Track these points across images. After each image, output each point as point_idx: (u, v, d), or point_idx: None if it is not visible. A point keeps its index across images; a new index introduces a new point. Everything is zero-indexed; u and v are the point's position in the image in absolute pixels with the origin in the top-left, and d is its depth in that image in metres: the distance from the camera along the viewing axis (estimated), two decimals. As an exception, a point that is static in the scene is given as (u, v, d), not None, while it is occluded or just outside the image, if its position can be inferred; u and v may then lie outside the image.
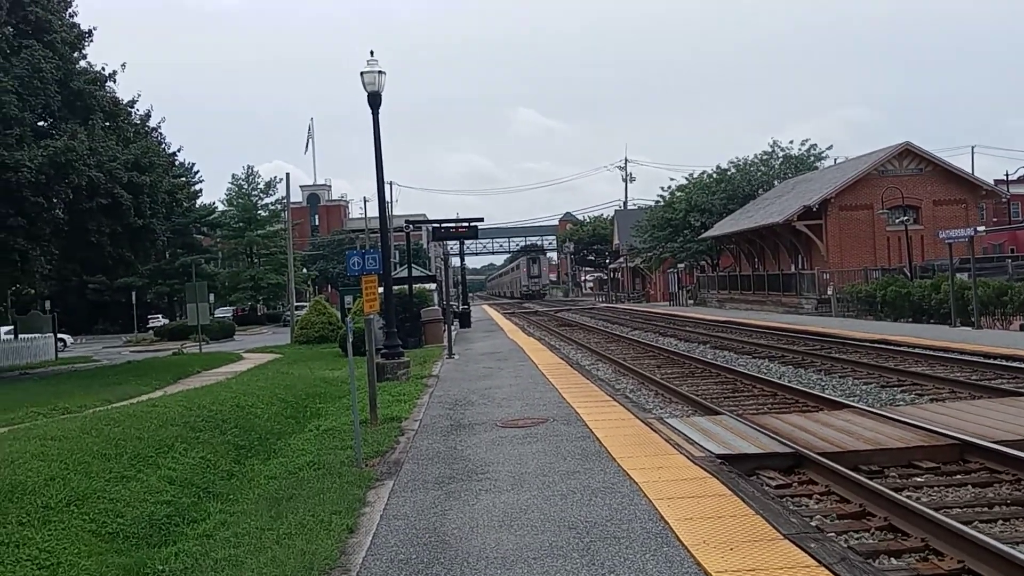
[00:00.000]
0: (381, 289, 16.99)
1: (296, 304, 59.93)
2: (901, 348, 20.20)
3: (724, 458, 8.74)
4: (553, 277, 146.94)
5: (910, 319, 31.28)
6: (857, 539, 6.68)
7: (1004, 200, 46.75)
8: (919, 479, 8.40)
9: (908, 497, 7.42)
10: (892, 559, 6.22)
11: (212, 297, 71.56)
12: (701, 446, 9.33)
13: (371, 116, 17.98)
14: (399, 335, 21.72)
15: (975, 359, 17.24)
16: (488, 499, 7.59)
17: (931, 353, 18.89)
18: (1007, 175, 59.11)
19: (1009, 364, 16.21)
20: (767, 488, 8.07)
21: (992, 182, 47.59)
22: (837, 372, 17.15)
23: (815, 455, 8.72)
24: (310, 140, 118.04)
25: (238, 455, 10.30)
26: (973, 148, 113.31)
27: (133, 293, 61.07)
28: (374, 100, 17.88)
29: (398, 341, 19.00)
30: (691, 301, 61.83)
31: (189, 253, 67.04)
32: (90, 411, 13.99)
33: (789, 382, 15.94)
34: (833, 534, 6.59)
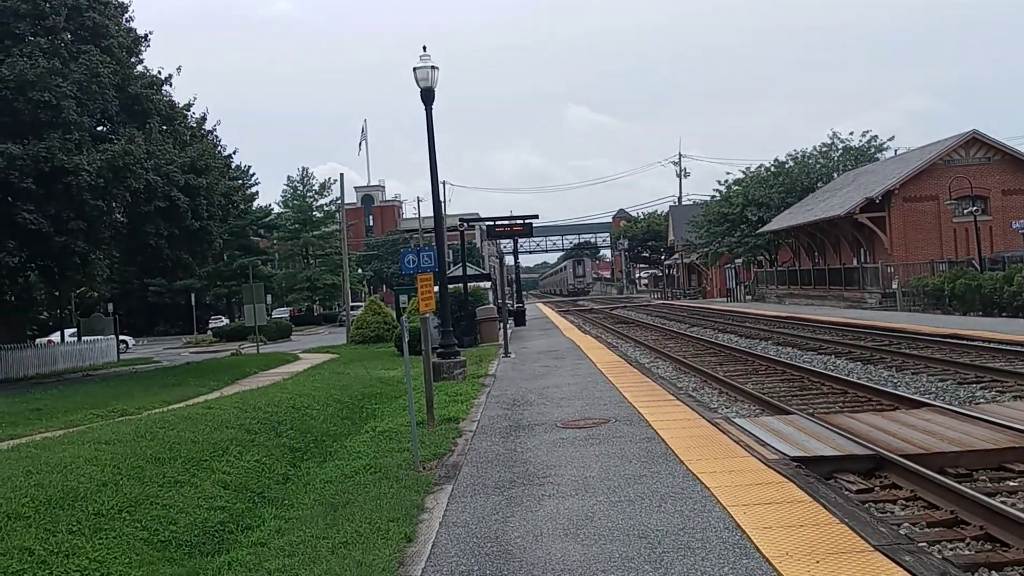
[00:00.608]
0: (436, 288, 16.74)
1: (352, 304, 60.26)
2: (975, 343, 19.38)
3: (799, 460, 8.27)
4: (607, 274, 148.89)
5: (980, 313, 30.22)
6: (952, 550, 6.19)
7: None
8: (1012, 483, 7.85)
9: (1004, 503, 6.89)
10: (994, 572, 5.72)
11: (269, 298, 72.44)
12: (773, 448, 8.87)
13: (424, 112, 17.73)
14: (454, 334, 21.48)
15: (1057, 354, 16.43)
16: (551, 505, 7.23)
17: (1008, 348, 18.07)
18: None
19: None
20: (847, 493, 7.60)
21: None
22: (909, 368, 16.46)
23: (897, 457, 8.22)
24: (363, 141, 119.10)
25: (293, 458, 10.09)
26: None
27: (192, 295, 61.94)
28: (427, 96, 17.61)
29: (454, 340, 18.74)
30: (749, 297, 60.82)
31: (246, 255, 67.73)
32: (147, 413, 13.94)
33: (859, 379, 15.34)
34: (925, 544, 6.11)
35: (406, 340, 9.92)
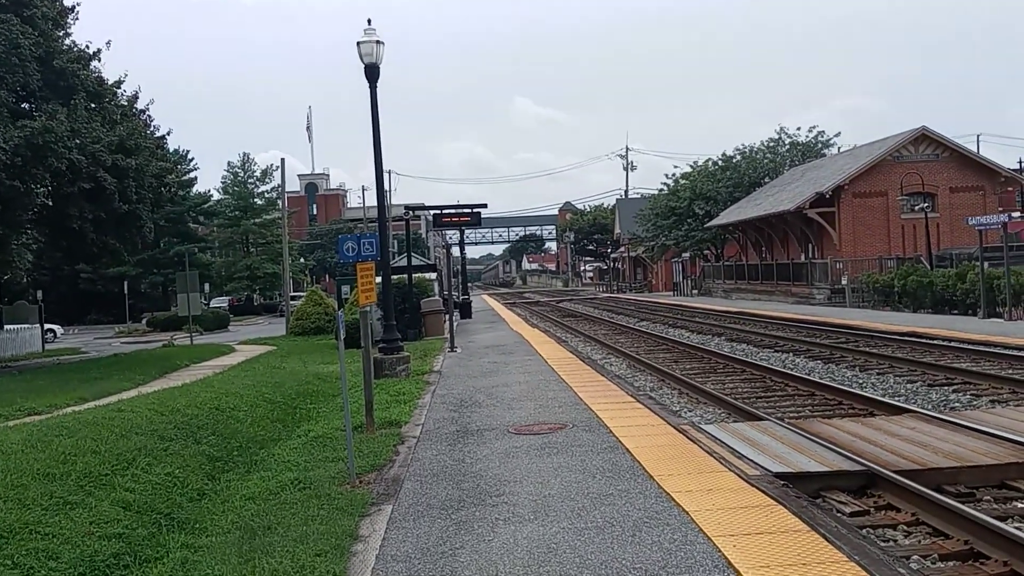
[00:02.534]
0: (379, 279, 15.64)
1: (292, 294, 58.56)
2: (935, 342, 18.83)
3: (783, 477, 7.37)
4: (552, 267, 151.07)
5: (930, 310, 29.91)
6: (977, 592, 5.33)
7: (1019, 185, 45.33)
8: (1021, 504, 7.04)
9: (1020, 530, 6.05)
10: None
11: (207, 287, 70.21)
12: (752, 461, 7.97)
13: (368, 90, 16.57)
14: (398, 327, 20.36)
15: (1022, 354, 15.86)
16: (507, 533, 6.22)
17: (972, 348, 17.54)
18: (1020, 162, 57.61)
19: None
20: (842, 515, 6.72)
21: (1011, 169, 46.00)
22: (873, 368, 15.78)
23: (891, 473, 7.37)
24: (309, 128, 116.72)
25: (212, 469, 8.92)
26: (979, 137, 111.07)
27: (126, 283, 59.61)
28: (372, 73, 16.44)
29: (397, 334, 17.61)
30: (696, 291, 60.48)
31: (183, 242, 65.48)
32: (59, 413, 12.62)
33: (821, 379, 14.62)
34: (946, 585, 5.24)
35: (341, 335, 8.82)
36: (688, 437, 9.26)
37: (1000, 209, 38.53)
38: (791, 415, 11.47)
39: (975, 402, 11.98)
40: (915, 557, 5.87)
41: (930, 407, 11.61)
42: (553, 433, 9.98)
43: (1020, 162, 57.80)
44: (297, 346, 29.27)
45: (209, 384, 14.30)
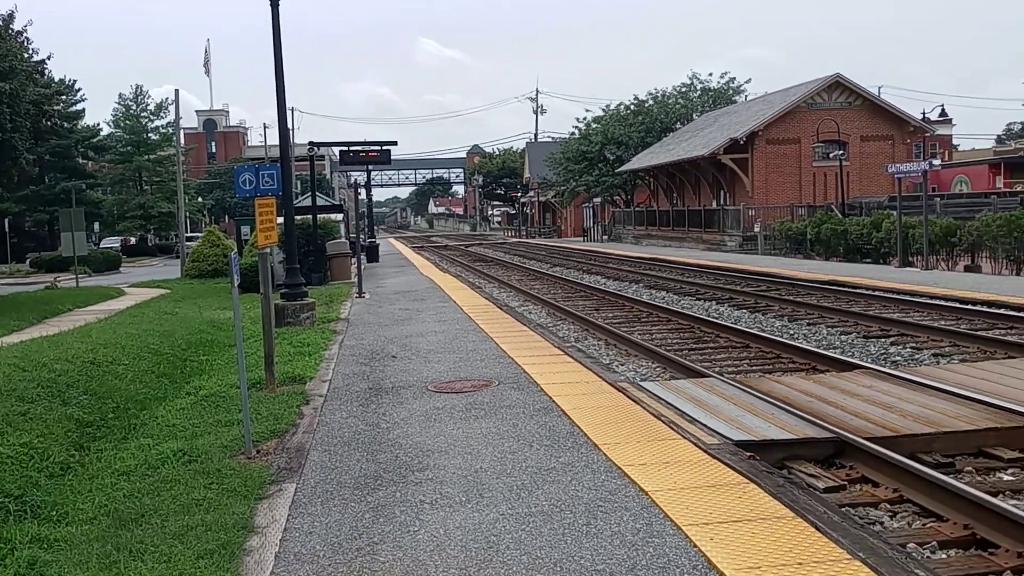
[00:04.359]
0: (281, 219, 14.28)
1: (189, 235, 55.91)
2: (859, 291, 18.41)
3: (746, 447, 6.51)
4: (459, 211, 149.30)
5: (843, 259, 29.85)
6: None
7: (928, 135, 45.86)
8: (1006, 476, 6.34)
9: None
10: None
11: (97, 226, 66.60)
12: (706, 426, 7.09)
13: (270, 9, 14.99)
14: (303, 269, 18.98)
15: (951, 304, 15.49)
16: (436, 521, 5.18)
17: (897, 297, 17.13)
18: (923, 113, 58.62)
19: (995, 311, 14.47)
20: (815, 490, 5.90)
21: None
22: (803, 318, 15.19)
23: (862, 440, 6.58)
24: (207, 63, 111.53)
25: (81, 437, 7.60)
26: (880, 89, 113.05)
27: (7, 221, 55.86)
28: (272, -12, 14.85)
29: (301, 279, 16.23)
30: (606, 237, 60.09)
31: (71, 178, 61.61)
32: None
33: (750, 328, 13.95)
34: (962, 584, 4.42)
35: (235, 280, 7.56)
36: (629, 396, 8.34)
37: (908, 159, 38.91)
38: (731, 370, 10.70)
39: (917, 355, 11.41)
40: (911, 545, 5.06)
41: (870, 360, 11.00)
42: (478, 391, 8.95)
43: (923, 113, 58.78)
44: (193, 290, 27.51)
45: (86, 333, 12.73)
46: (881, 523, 5.54)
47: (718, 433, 6.86)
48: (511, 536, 4.88)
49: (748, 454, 6.25)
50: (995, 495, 5.68)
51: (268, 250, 9.40)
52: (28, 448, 6.80)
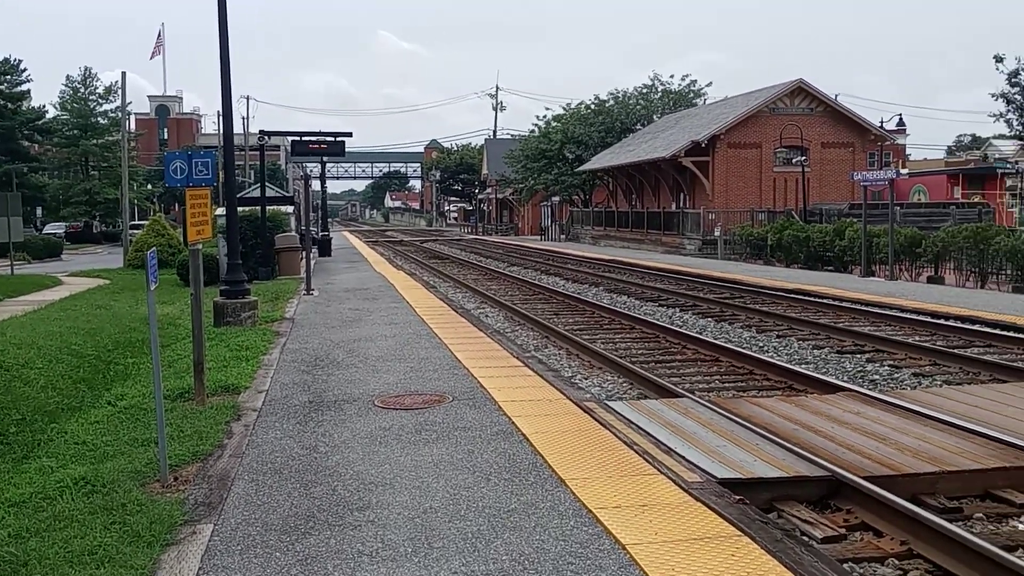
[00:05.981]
0: (220, 210, 13.26)
1: (135, 223, 54.27)
2: (826, 301, 17.88)
3: (732, 486, 5.76)
4: (416, 206, 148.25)
5: (804, 266, 29.44)
6: None
7: (888, 143, 45.76)
8: (1022, 525, 5.66)
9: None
10: None
11: (40, 211, 64.51)
12: (685, 458, 6.34)
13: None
14: (249, 263, 17.97)
15: (923, 318, 14.98)
16: (376, 580, 4.34)
17: (866, 309, 16.59)
18: (881, 122, 58.68)
19: (970, 328, 13.95)
20: (812, 539, 5.17)
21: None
22: (772, 329, 14.57)
23: (860, 480, 5.86)
24: (160, 46, 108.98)
25: (-28, 456, 6.64)
26: (836, 96, 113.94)
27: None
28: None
29: (243, 276, 15.15)
30: (564, 236, 59.45)
31: (13, 161, 59.51)
32: None
33: (718, 340, 13.27)
34: None
35: (151, 283, 6.63)
36: (596, 419, 7.56)
37: (869, 167, 38.77)
38: (702, 386, 9.98)
39: (897, 375, 10.79)
40: (933, 617, 4.34)
41: (847, 378, 10.38)
42: (430, 408, 8.11)
43: (881, 122, 58.88)
44: (134, 280, 26.21)
45: (0, 331, 11.66)
46: (893, 586, 4.82)
47: (699, 468, 6.10)
48: (465, 605, 4.07)
49: (736, 497, 5.49)
50: (1012, 550, 5.00)
51: (199, 246, 8.46)
52: (-98, 473, 5.83)
